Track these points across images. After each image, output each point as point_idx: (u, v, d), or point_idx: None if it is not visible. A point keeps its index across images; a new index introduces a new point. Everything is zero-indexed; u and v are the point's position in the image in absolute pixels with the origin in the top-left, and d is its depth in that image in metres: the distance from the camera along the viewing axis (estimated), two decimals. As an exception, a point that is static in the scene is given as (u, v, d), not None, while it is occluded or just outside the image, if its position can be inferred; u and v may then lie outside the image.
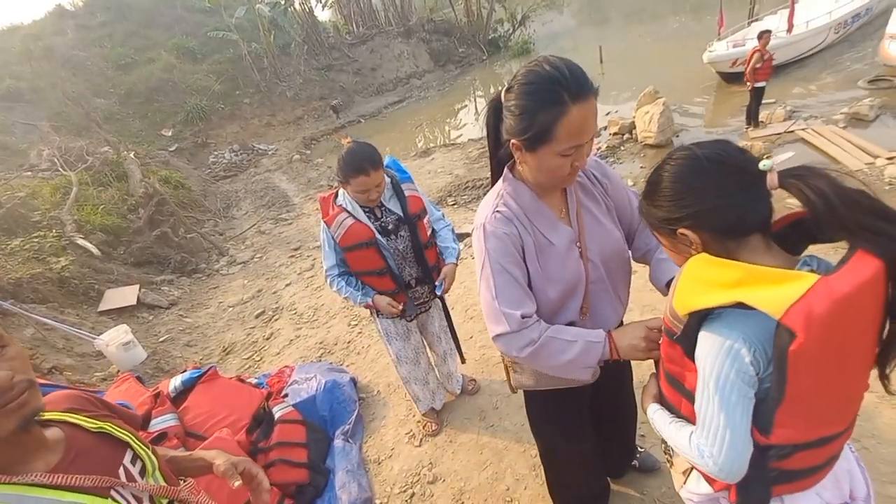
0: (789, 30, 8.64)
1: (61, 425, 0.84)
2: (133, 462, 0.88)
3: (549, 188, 1.12)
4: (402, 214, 1.92)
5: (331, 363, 3.21)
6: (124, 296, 5.41)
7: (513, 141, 1.01)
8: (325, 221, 1.89)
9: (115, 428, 0.89)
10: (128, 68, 14.92)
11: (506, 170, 1.15)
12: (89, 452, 0.83)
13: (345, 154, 1.76)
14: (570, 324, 1.16)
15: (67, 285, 5.10)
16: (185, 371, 2.49)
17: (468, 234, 5.10)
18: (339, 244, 1.90)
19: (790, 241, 0.80)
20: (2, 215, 5.63)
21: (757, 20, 10.19)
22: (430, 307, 2.20)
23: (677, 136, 7.27)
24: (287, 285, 5.42)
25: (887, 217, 0.64)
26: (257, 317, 4.85)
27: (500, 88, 1.04)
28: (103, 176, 7.70)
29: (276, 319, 4.67)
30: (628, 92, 9.82)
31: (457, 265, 2.06)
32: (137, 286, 5.56)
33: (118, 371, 3.88)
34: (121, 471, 0.85)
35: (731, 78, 8.82)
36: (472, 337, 3.05)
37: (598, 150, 7.43)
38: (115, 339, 3.88)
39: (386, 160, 1.96)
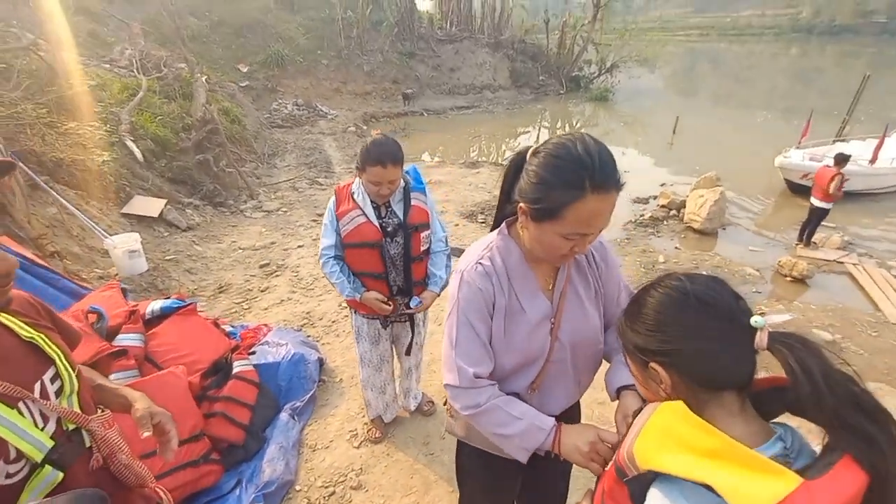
0: (873, 160, 8.30)
1: None
2: (52, 380, 0.88)
3: (545, 260, 1.08)
4: (401, 219, 1.91)
5: (307, 336, 3.23)
6: (149, 205, 5.59)
7: (521, 204, 0.99)
8: (336, 214, 1.90)
9: (47, 341, 0.90)
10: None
11: (504, 224, 1.12)
12: (11, 359, 0.84)
13: (370, 142, 1.77)
14: (516, 395, 1.12)
15: (102, 179, 5.29)
16: (167, 298, 2.55)
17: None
18: (343, 238, 1.90)
19: (765, 403, 0.73)
20: (69, 97, 5.90)
21: (843, 141, 9.83)
22: (406, 319, 2.17)
23: (724, 228, 7.06)
24: (299, 246, 5.50)
25: (876, 419, 0.57)
26: (261, 267, 4.93)
27: (529, 146, 1.01)
28: (171, 90, 7.99)
29: (277, 276, 4.74)
30: (690, 170, 9.63)
31: (437, 295, 2.05)
32: (164, 201, 5.74)
33: (116, 275, 4.01)
34: (37, 385, 0.85)
35: (797, 188, 8.53)
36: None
37: (640, 217, 7.29)
38: (123, 243, 4.00)
39: (407, 167, 1.96)
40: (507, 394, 1.11)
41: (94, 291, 2.57)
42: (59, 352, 0.91)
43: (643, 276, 5.19)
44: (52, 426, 0.86)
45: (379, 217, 1.89)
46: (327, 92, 15.28)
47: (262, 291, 4.39)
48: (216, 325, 2.68)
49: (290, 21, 15.99)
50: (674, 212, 7.29)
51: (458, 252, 5.34)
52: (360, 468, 2.18)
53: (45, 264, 2.82)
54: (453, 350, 1.08)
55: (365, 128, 13.56)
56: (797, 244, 6.67)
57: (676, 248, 6.31)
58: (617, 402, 1.09)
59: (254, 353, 2.66)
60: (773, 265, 6.05)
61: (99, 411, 0.98)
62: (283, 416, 2.37)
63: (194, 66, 8.92)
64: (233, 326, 2.97)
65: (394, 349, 2.32)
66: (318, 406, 2.62)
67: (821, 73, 30.72)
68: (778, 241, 7.03)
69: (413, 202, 1.93)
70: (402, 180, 1.91)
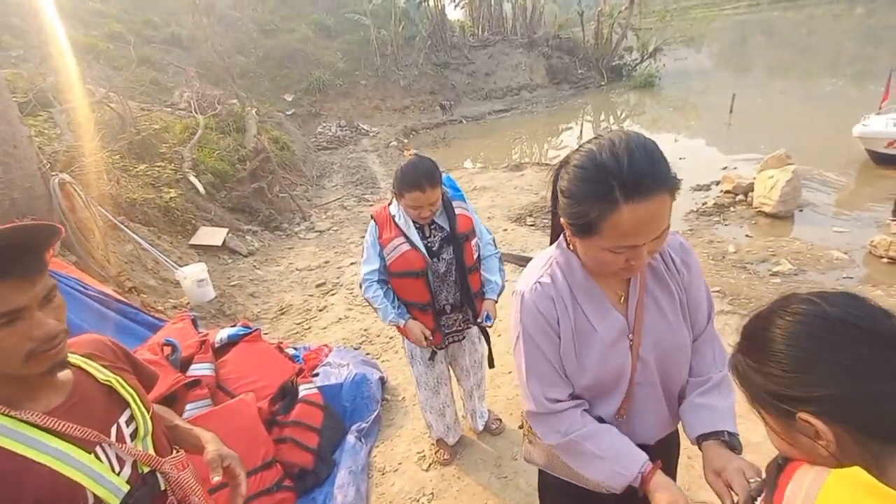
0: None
1: (75, 369, 0.87)
2: (128, 423, 0.89)
3: (605, 275, 0.96)
4: (449, 231, 1.82)
5: (367, 354, 3.24)
6: (213, 235, 5.92)
7: (562, 218, 0.90)
8: (380, 242, 1.83)
9: (123, 383, 0.91)
10: (270, 34, 16.41)
11: (561, 237, 1.00)
12: (89, 403, 0.85)
13: (404, 166, 1.70)
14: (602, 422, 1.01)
15: (171, 214, 5.68)
16: (234, 325, 2.63)
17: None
18: (388, 267, 1.84)
19: None
20: (138, 141, 6.41)
21: (933, 100, 8.73)
22: (463, 337, 2.07)
23: (801, 210, 6.44)
24: (352, 263, 5.60)
25: None
26: (318, 286, 5.05)
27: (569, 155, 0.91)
28: (226, 125, 8.50)
29: (333, 294, 4.83)
30: (754, 150, 8.92)
31: (496, 301, 1.95)
32: (226, 230, 6.06)
33: (187, 303, 4.25)
34: (113, 429, 0.86)
35: (883, 159, 7.64)
36: (510, 372, 2.90)
37: (702, 205, 6.81)
38: (193, 274, 4.23)
39: (443, 177, 1.88)
40: (596, 417, 1.01)
41: (167, 324, 2.71)
42: (134, 394, 0.92)
43: (712, 270, 4.81)
44: (127, 470, 0.86)
45: (424, 238, 1.82)
46: (367, 110, 15.69)
47: (320, 311, 4.48)
48: (280, 349, 2.73)
49: (328, 47, 16.64)
50: (740, 196, 6.74)
51: (510, 258, 5.15)
52: (432, 493, 2.12)
53: (125, 300, 3.01)
54: (525, 376, 1.01)
55: (406, 141, 13.77)
56: (891, 220, 5.94)
57: (747, 235, 5.81)
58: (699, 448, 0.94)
59: (317, 374, 2.69)
60: (865, 246, 5.42)
61: (174, 452, 0.98)
62: (350, 438, 2.36)
63: (244, 101, 9.46)
64: (295, 349, 3.02)
65: (451, 370, 2.23)
66: (384, 426, 2.60)
67: (893, 30, 27.74)
68: (867, 219, 6.31)
69: (456, 211, 1.85)
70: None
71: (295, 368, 2.58)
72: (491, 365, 2.14)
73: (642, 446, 0.99)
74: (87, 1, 13.61)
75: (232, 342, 2.49)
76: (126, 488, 0.85)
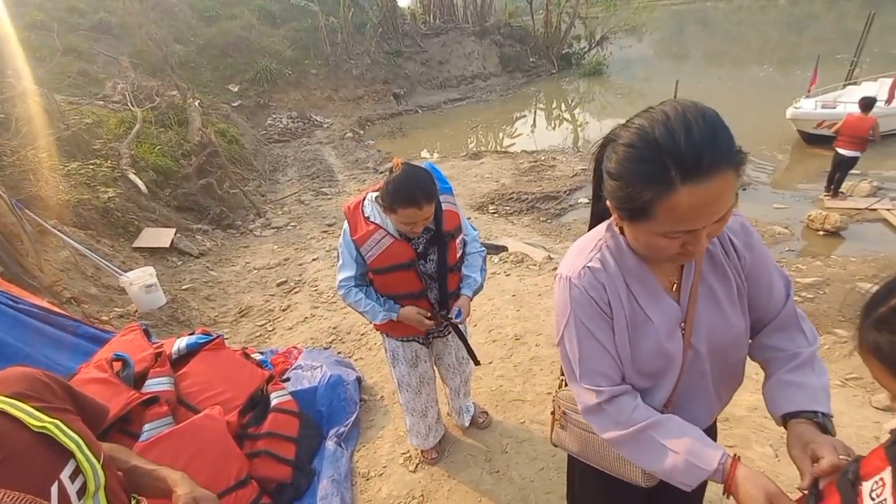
0: (889, 100, 7.96)
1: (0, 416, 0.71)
2: (73, 477, 0.74)
3: (659, 260, 0.90)
4: (434, 230, 1.67)
5: (339, 353, 3.10)
6: (159, 237, 5.50)
7: (609, 201, 0.83)
8: (354, 240, 1.65)
9: (63, 429, 0.75)
10: (210, 21, 15.39)
11: (613, 218, 0.92)
12: (22, 457, 0.70)
13: (395, 178, 1.49)
14: None
15: (110, 216, 5.22)
16: (192, 333, 2.42)
17: (503, 248, 4.89)
18: (369, 265, 1.67)
19: None
20: (67, 137, 5.82)
21: (854, 83, 9.47)
22: (447, 333, 1.98)
23: (743, 189, 6.82)
24: (314, 259, 5.38)
25: None
26: (279, 285, 4.82)
27: (615, 131, 0.83)
28: (166, 118, 7.90)
29: (296, 292, 4.62)
30: (699, 134, 9.35)
31: (471, 299, 1.82)
32: (174, 230, 5.65)
33: (136, 311, 3.91)
34: (54, 488, 0.72)
35: (813, 139, 8.23)
36: (491, 363, 2.86)
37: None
38: (139, 279, 3.90)
39: (423, 164, 1.73)
40: None
41: (115, 336, 2.45)
42: (79, 440, 0.78)
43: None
44: None
45: (407, 240, 1.66)
46: (320, 101, 15.13)
47: (283, 311, 4.27)
48: (246, 355, 2.55)
49: (273, 35, 15.83)
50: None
51: (490, 248, 5.10)
52: (422, 495, 2.04)
53: (63, 311, 2.71)
54: (577, 368, 0.94)
55: (362, 132, 13.42)
56: (824, 195, 6.41)
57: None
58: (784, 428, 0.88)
59: (288, 379, 2.54)
60: (803, 221, 5.81)
61: (133, 502, 0.84)
62: (330, 444, 2.24)
63: (186, 92, 8.82)
64: (262, 353, 2.84)
65: (435, 369, 2.14)
66: (364, 429, 2.48)
67: (813, 19, 29.91)
68: (802, 196, 6.78)
69: (444, 206, 1.68)
70: None
71: (264, 375, 2.41)
72: (476, 362, 2.04)
73: None
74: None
75: (191, 352, 2.28)
76: None
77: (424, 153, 11.41)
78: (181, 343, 2.29)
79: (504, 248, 4.93)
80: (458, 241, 1.74)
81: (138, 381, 2.02)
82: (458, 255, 1.77)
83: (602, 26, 21.08)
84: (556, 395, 1.19)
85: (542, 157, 9.31)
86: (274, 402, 2.21)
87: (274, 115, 13.65)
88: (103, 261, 4.21)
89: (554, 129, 13.21)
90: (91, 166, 5.53)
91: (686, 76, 14.70)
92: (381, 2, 17.39)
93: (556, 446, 1.21)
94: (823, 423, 0.84)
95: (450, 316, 1.77)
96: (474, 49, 19.15)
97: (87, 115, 6.71)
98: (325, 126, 13.60)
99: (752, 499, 0.78)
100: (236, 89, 13.96)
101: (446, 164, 9.43)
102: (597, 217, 1.00)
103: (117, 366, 2.02)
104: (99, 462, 0.79)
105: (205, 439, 1.80)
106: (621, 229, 0.89)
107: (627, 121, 0.79)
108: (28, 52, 8.40)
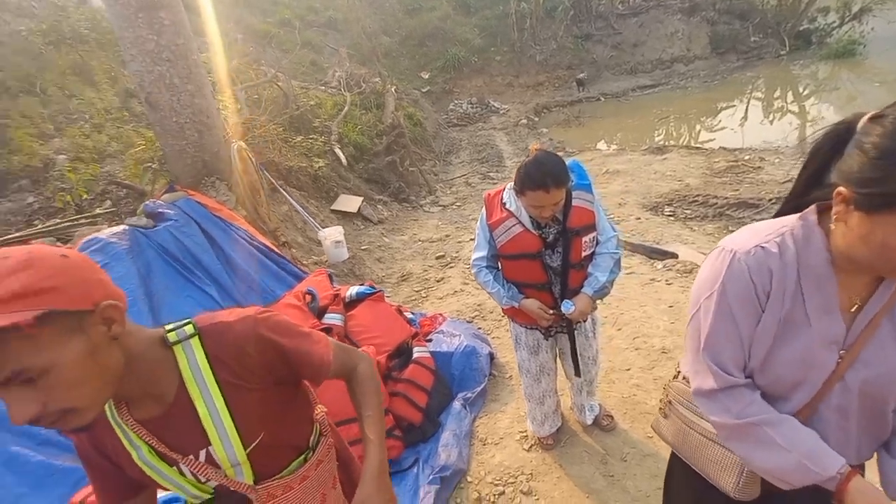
0: None
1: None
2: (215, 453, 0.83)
3: (865, 269, 0.76)
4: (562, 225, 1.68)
5: (479, 329, 3.28)
6: (350, 202, 6.52)
7: (841, 188, 0.72)
8: (489, 224, 1.76)
9: (220, 411, 0.82)
10: (413, 13, 17.07)
11: (814, 208, 0.82)
12: (187, 418, 0.80)
13: (528, 163, 1.57)
14: None
15: (318, 182, 6.39)
16: (362, 284, 2.88)
17: (672, 255, 4.40)
18: (499, 249, 1.77)
19: None
20: (296, 116, 7.29)
21: None
22: (571, 330, 1.94)
23: None
24: (470, 239, 5.70)
25: None
26: (437, 258, 5.27)
27: (859, 113, 0.73)
28: (368, 101, 9.18)
29: (451, 267, 4.99)
30: None
31: (591, 300, 1.75)
32: (361, 199, 6.63)
33: (326, 261, 4.78)
34: (203, 452, 0.82)
35: None
36: (629, 370, 2.68)
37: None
38: (331, 235, 4.73)
39: (569, 161, 1.72)
40: None
41: (309, 276, 3.08)
42: (228, 421, 0.81)
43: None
44: (214, 482, 0.84)
45: (539, 228, 1.71)
46: (500, 87, 15.54)
47: (437, 281, 4.67)
48: (400, 311, 2.92)
49: (465, 24, 16.75)
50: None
51: (640, 249, 4.70)
52: (531, 473, 2.09)
53: (279, 251, 3.49)
54: (703, 344, 0.88)
55: (536, 119, 13.36)
56: None
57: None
58: None
59: (430, 340, 2.82)
60: None
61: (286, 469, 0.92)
62: (456, 404, 2.45)
63: (386, 79, 10.07)
64: (413, 314, 3.20)
65: (559, 362, 2.13)
66: (489, 401, 2.63)
67: None
68: None
69: (575, 203, 1.70)
70: None
71: (411, 331, 2.74)
72: (577, 374, 1.99)
73: None
74: (265, -9, 15.66)
75: (359, 299, 2.74)
76: (209, 495, 0.86)
77: (601, 144, 10.77)
78: (353, 290, 2.76)
79: (673, 255, 4.43)
80: (586, 238, 1.72)
81: (320, 313, 2.52)
82: (585, 254, 1.74)
83: (864, -7, 16.43)
84: (668, 384, 1.14)
85: (747, 157, 7.89)
86: (416, 356, 2.51)
87: (456, 101, 14.56)
88: (310, 217, 5.22)
89: (771, 123, 10.95)
90: (310, 140, 6.82)
91: None
92: (577, -18, 16.74)
93: (654, 431, 1.19)
94: None
95: (561, 308, 1.75)
96: (678, 28, 17.02)
97: (311, 99, 8.25)
98: (501, 112, 13.95)
99: None
100: (427, 76, 15.29)
101: (622, 158, 8.76)
102: (788, 210, 0.89)
103: (308, 298, 2.55)
104: (246, 445, 0.83)
105: (358, 371, 2.17)
106: (824, 217, 0.78)
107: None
108: (277, 45, 10.65)
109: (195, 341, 0.78)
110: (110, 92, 6.21)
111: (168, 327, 0.79)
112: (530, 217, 1.70)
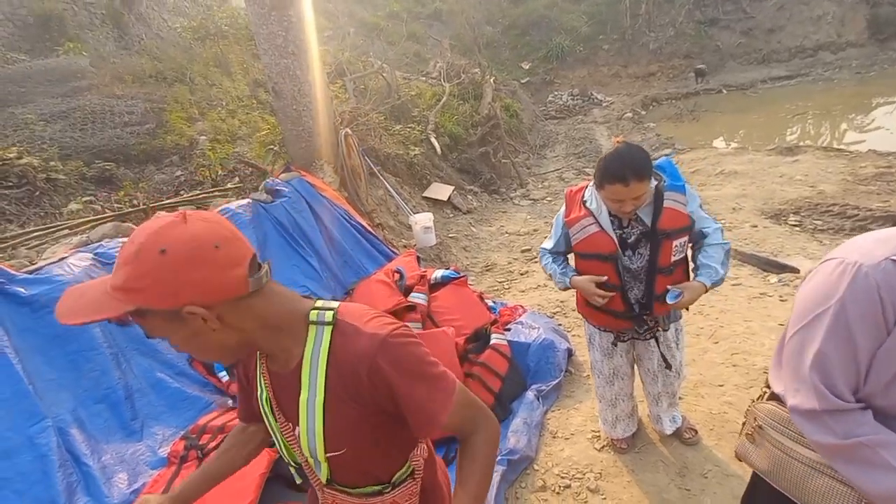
0: None
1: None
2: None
3: None
4: (649, 227, 1.60)
5: (559, 324, 3.24)
6: (441, 191, 6.72)
7: None
8: (566, 221, 1.75)
9: (316, 413, 0.82)
10: (518, 2, 16.78)
11: None
12: (293, 387, 0.82)
13: (608, 155, 1.53)
14: None
15: (412, 169, 6.67)
16: (448, 269, 2.99)
17: (793, 269, 3.90)
18: (574, 247, 1.75)
19: None
20: (398, 105, 7.64)
21: None
22: (650, 336, 1.84)
23: None
24: (557, 235, 5.58)
25: None
26: (523, 252, 5.25)
27: None
28: (466, 92, 9.30)
29: (536, 262, 4.89)
30: None
31: (707, 289, 1.64)
32: (452, 188, 6.80)
33: (414, 245, 5.01)
34: (298, 428, 0.85)
35: None
36: (722, 385, 2.47)
37: None
38: (421, 220, 4.94)
39: (661, 160, 1.63)
40: None
41: (399, 256, 3.27)
42: (318, 427, 0.80)
43: None
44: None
45: (621, 227, 1.66)
46: (605, 78, 14.76)
47: (521, 275, 4.67)
48: (481, 298, 2.99)
49: (573, 11, 16.09)
50: None
51: (754, 260, 4.27)
52: (600, 472, 2.05)
53: (373, 232, 3.75)
54: (808, 361, 0.83)
55: (643, 113, 12.48)
56: None
57: None
58: None
59: (509, 329, 2.85)
60: None
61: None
62: (529, 394, 2.46)
63: (485, 70, 10.10)
64: (494, 302, 3.25)
65: (636, 368, 2.03)
66: (563, 396, 2.60)
67: None
68: None
69: (666, 204, 1.60)
70: (654, 180, 1.61)
71: (491, 318, 2.80)
72: (667, 366, 1.87)
73: None
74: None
75: (444, 282, 2.86)
76: (295, 465, 0.91)
77: (718, 142, 9.74)
78: (438, 273, 2.88)
79: (793, 270, 3.92)
80: (676, 242, 1.63)
81: (407, 291, 2.68)
82: (675, 258, 1.65)
83: None
84: (752, 406, 1.06)
85: (903, 163, 6.66)
86: (493, 342, 2.56)
87: (556, 92, 14.12)
88: (402, 202, 5.50)
89: (944, 125, 9.08)
90: (408, 129, 7.13)
91: None
92: (704, -38, 15.18)
93: (738, 458, 1.09)
94: None
95: (667, 298, 1.65)
96: (829, 10, 14.69)
97: (412, 89, 8.57)
98: (604, 105, 13.26)
99: None
100: (527, 66, 15.02)
101: (742, 158, 7.86)
102: None
103: (396, 276, 2.73)
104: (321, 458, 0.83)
105: (438, 347, 2.29)
106: None
107: None
108: (384, 37, 11.18)
109: (328, 330, 0.77)
110: (243, 82, 7.06)
111: (317, 304, 0.81)
112: (610, 216, 1.65)
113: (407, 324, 0.87)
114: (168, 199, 4.26)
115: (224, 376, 2.28)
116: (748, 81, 13.55)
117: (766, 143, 8.96)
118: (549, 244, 1.86)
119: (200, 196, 4.16)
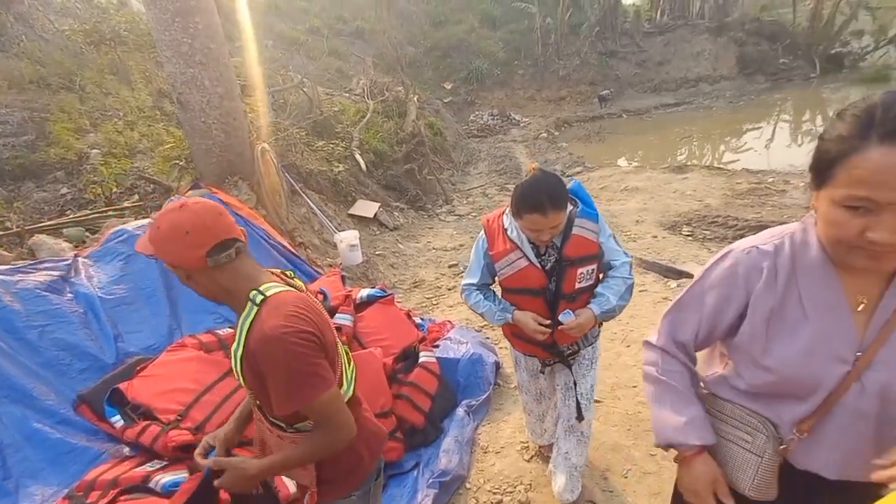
0: None
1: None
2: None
3: (839, 257, 0.78)
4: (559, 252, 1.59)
5: (486, 338, 3.29)
6: (367, 208, 6.62)
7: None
8: (491, 255, 1.66)
9: (237, 368, 1.11)
10: (439, 26, 17.36)
11: (813, 214, 0.84)
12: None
13: (524, 183, 1.49)
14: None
15: (337, 186, 6.51)
16: (375, 287, 2.92)
17: (688, 275, 4.35)
18: (501, 282, 1.68)
19: None
20: (320, 121, 7.46)
21: None
22: (568, 363, 1.80)
23: None
24: (485, 250, 5.73)
25: None
26: (450, 267, 5.30)
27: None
28: (390, 110, 9.34)
29: (463, 277, 5.02)
30: None
31: (594, 318, 1.59)
32: (378, 204, 6.73)
33: (340, 263, 4.86)
34: None
35: None
36: (635, 386, 2.66)
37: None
38: (347, 238, 4.80)
39: (571, 184, 1.62)
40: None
41: (322, 276, 3.14)
42: (239, 365, 1.07)
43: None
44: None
45: (538, 255, 1.61)
46: (521, 101, 15.65)
47: (449, 290, 4.70)
48: (409, 316, 2.96)
49: (490, 37, 16.97)
50: None
51: (656, 267, 4.64)
52: (530, 483, 2.09)
53: (295, 251, 3.57)
54: (669, 309, 1.06)
55: (556, 134, 13.38)
56: None
57: None
58: None
59: (437, 346, 2.84)
60: None
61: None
62: (460, 411, 2.46)
63: (409, 88, 10.23)
64: (422, 319, 3.23)
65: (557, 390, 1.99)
66: (492, 409, 2.63)
67: None
68: None
69: (575, 231, 1.57)
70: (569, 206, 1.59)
71: (419, 336, 2.77)
72: (579, 418, 1.82)
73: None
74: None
75: (370, 301, 2.78)
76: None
77: (622, 161, 10.72)
78: (364, 292, 2.81)
79: (688, 275, 4.38)
80: (581, 270, 1.59)
81: (331, 313, 2.57)
82: (579, 286, 1.61)
83: (901, 17, 16.11)
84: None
85: (771, 180, 7.77)
86: (422, 360, 2.53)
87: (477, 112, 14.69)
88: (326, 220, 5.32)
89: (800, 146, 10.75)
90: (332, 145, 6.96)
91: None
92: (603, 0, 16.82)
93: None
94: None
95: (558, 318, 1.61)
96: (705, 48, 16.94)
97: (335, 105, 8.42)
98: (521, 125, 14.02)
99: (696, 479, 0.95)
100: (449, 87, 15.49)
101: (642, 175, 8.70)
102: None
103: (320, 297, 2.60)
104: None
105: (366, 369, 2.20)
106: (816, 212, 0.83)
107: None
108: (305, 52, 10.93)
109: (255, 309, 1.02)
110: (144, 91, 6.46)
111: (261, 287, 1.04)
112: (532, 245, 1.61)
113: (309, 329, 1.01)
114: (50, 219, 3.73)
115: (118, 421, 1.96)
116: (644, 107, 15.14)
117: (661, 161, 10.02)
118: (473, 279, 1.75)
119: (91, 216, 3.70)
